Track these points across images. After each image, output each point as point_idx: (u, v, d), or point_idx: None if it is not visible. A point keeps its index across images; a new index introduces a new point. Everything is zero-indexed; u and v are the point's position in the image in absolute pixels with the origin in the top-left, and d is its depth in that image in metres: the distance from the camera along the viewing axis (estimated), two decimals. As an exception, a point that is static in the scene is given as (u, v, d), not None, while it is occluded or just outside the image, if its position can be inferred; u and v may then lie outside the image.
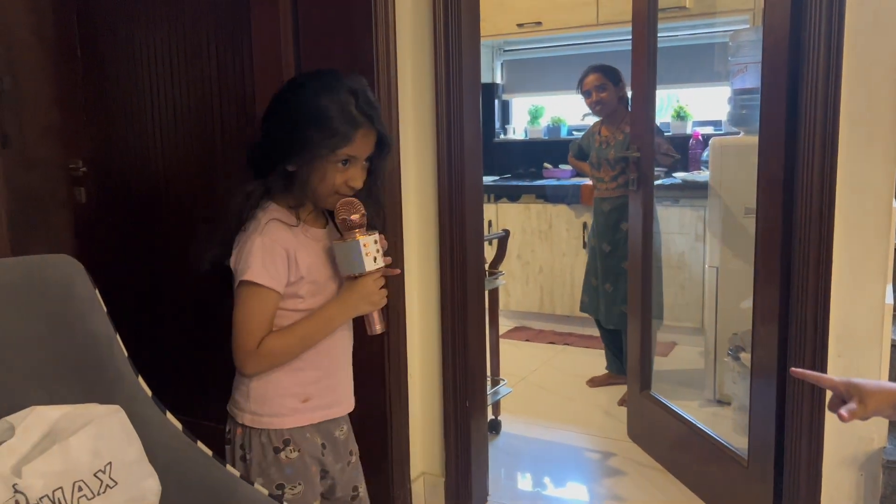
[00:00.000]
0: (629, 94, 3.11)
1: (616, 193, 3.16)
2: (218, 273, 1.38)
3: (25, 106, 2.45)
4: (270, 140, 1.33)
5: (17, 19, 2.41)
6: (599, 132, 3.29)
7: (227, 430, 1.42)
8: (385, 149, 1.37)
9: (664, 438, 2.55)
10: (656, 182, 3.09)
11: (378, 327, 1.38)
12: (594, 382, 3.39)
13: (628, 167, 3.05)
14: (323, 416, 1.42)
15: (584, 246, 3.97)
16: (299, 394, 1.37)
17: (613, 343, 3.36)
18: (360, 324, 1.43)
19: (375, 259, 1.33)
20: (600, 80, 3.20)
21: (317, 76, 1.37)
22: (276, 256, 1.30)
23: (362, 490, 1.54)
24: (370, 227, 1.34)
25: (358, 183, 1.34)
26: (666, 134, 3.98)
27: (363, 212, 1.32)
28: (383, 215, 1.49)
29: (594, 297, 3.33)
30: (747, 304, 2.08)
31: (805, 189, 1.74)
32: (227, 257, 1.35)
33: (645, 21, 2.60)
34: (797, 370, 1.16)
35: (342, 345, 1.45)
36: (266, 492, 1.23)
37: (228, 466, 1.24)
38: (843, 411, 1.03)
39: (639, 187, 2.72)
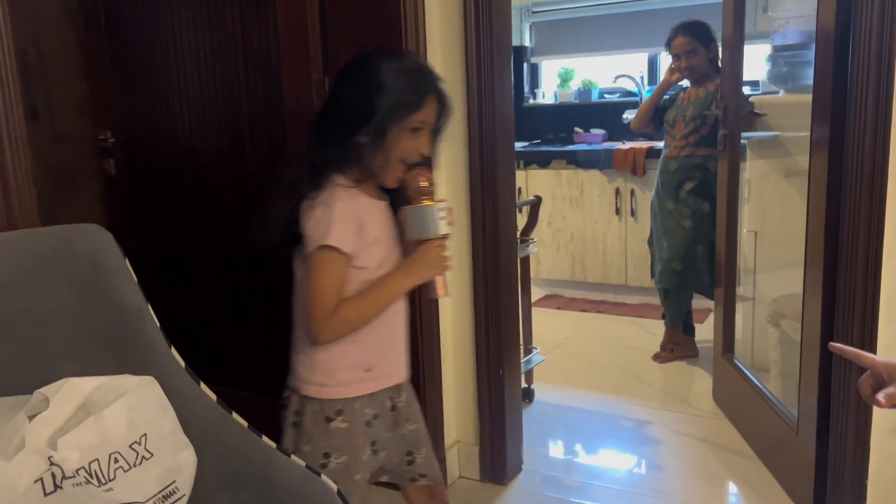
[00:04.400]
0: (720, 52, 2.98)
1: (684, 153, 3.04)
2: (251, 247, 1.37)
3: (52, 79, 2.44)
4: (342, 112, 1.35)
5: (42, -10, 2.39)
6: (684, 90, 3.14)
7: (284, 395, 1.46)
8: (447, 117, 1.41)
9: (740, 401, 2.52)
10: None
11: (441, 292, 1.40)
12: (661, 358, 3.24)
13: (702, 126, 2.97)
14: (384, 384, 1.45)
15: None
16: (362, 364, 1.41)
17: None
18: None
19: (448, 224, 1.38)
20: (692, 45, 3.00)
21: (383, 50, 1.41)
22: (350, 223, 1.33)
23: (420, 456, 1.55)
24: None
25: (427, 150, 1.38)
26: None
27: (433, 180, 1.36)
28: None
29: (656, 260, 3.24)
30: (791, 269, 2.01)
31: (856, 149, 1.66)
32: (282, 229, 1.36)
33: None
34: (835, 345, 1.05)
35: (399, 313, 1.47)
36: (303, 463, 1.21)
37: (264, 437, 1.23)
38: (880, 396, 0.92)
39: (725, 146, 2.59)
